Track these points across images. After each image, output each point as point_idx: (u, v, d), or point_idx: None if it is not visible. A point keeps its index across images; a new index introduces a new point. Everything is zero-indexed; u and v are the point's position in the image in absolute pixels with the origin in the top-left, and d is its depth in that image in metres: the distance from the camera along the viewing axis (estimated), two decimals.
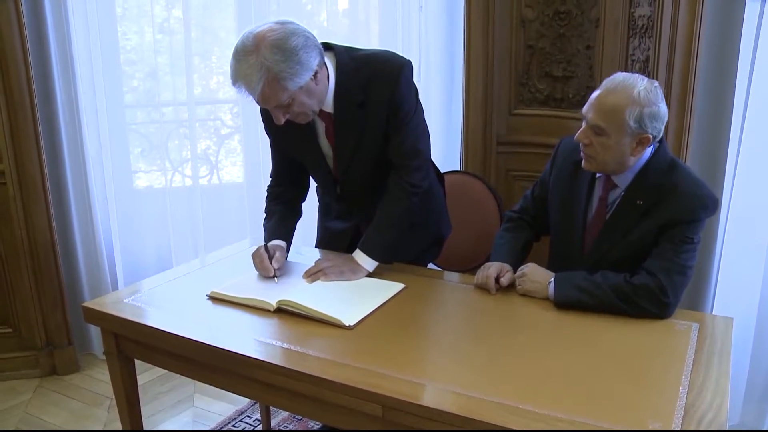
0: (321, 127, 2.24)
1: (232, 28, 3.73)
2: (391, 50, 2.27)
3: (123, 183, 3.62)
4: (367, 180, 2.32)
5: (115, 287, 3.53)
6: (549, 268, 2.19)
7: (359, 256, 2.22)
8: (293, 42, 1.93)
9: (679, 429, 1.43)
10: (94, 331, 3.52)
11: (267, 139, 2.42)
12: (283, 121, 2.05)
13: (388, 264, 2.29)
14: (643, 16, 2.71)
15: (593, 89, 2.93)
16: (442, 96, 3.50)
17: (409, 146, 2.22)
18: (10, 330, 3.39)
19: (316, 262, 2.24)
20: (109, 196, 3.49)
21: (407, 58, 2.20)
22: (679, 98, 2.66)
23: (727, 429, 1.47)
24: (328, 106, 2.16)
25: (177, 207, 3.68)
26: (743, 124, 2.67)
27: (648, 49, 2.73)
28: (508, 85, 3.24)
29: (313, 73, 1.99)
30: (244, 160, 3.73)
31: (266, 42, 1.91)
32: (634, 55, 2.79)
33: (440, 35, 3.44)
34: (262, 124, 2.36)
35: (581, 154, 2.04)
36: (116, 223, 3.55)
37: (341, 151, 2.26)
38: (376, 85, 2.13)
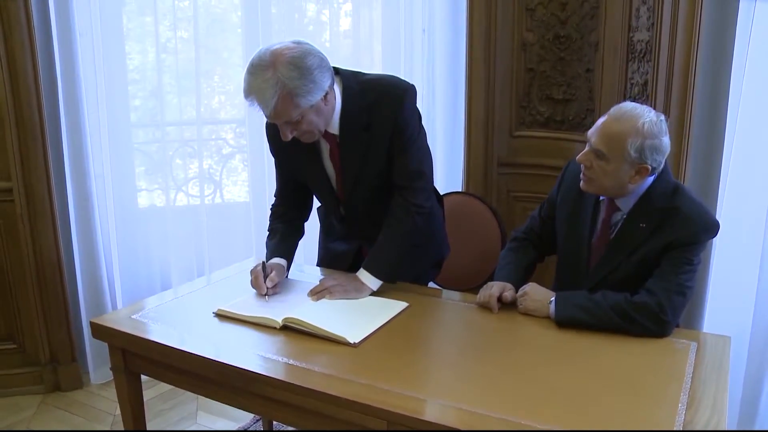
0: (326, 148, 2.28)
1: (234, 48, 3.78)
2: (395, 75, 2.33)
3: (126, 202, 3.63)
4: (371, 202, 2.36)
5: (114, 306, 3.55)
6: (555, 286, 2.23)
7: (363, 275, 2.25)
8: (309, 61, 1.99)
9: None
10: (90, 352, 3.53)
11: (272, 159, 2.47)
12: (290, 137, 2.10)
13: (391, 283, 2.32)
14: (642, 41, 2.77)
15: (593, 112, 3.02)
16: (445, 117, 3.54)
17: (412, 168, 2.26)
18: (14, 346, 3.41)
19: (321, 281, 2.27)
20: (110, 214, 3.52)
21: (411, 83, 2.25)
22: (678, 121, 2.71)
23: None
24: (334, 128, 2.20)
25: (179, 226, 3.70)
26: (733, 147, 2.74)
27: (647, 73, 2.78)
28: (510, 107, 3.29)
29: (324, 94, 2.05)
30: (249, 180, 3.77)
31: (283, 59, 1.97)
32: (633, 78, 2.84)
33: (443, 58, 3.49)
34: (268, 143, 2.41)
35: (581, 175, 2.09)
36: (116, 241, 3.57)
37: (346, 173, 2.30)
38: (380, 108, 2.18)
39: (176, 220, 3.70)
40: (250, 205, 3.75)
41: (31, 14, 3.04)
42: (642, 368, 1.78)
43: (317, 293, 2.21)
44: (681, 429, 1.52)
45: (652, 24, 2.72)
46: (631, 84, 2.83)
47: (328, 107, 2.12)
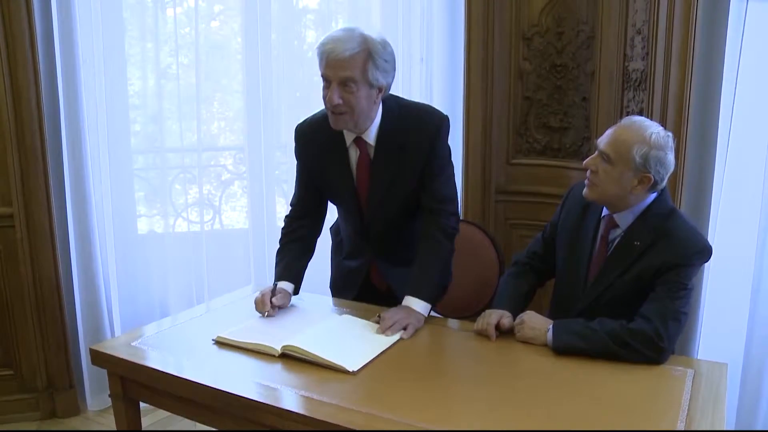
0: (354, 155, 2.34)
1: (234, 75, 3.81)
2: (432, 105, 2.46)
3: (126, 228, 3.64)
4: (392, 220, 2.42)
5: (113, 333, 3.54)
6: (553, 302, 2.26)
7: (413, 302, 2.26)
8: (392, 50, 2.21)
9: None
10: (87, 379, 3.51)
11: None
12: (335, 101, 2.14)
13: (435, 304, 2.34)
14: (637, 70, 2.81)
15: (590, 140, 3.05)
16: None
17: (445, 192, 2.35)
18: (11, 372, 3.39)
19: (387, 317, 2.19)
20: (110, 240, 3.52)
21: (446, 114, 2.36)
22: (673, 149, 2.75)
23: None
24: (370, 138, 2.29)
25: (178, 252, 3.70)
26: (724, 173, 2.79)
27: (642, 102, 2.82)
28: (507, 135, 3.32)
29: (382, 87, 2.18)
30: (248, 206, 3.78)
31: (374, 36, 2.16)
32: (628, 107, 2.87)
33: (441, 86, 3.53)
34: (295, 146, 2.46)
35: (586, 181, 2.15)
36: (115, 268, 3.57)
37: (374, 185, 2.35)
38: (417, 132, 2.28)
39: (175, 246, 3.70)
40: (249, 231, 3.76)
41: (36, 40, 3.08)
42: (639, 395, 1.79)
43: (390, 328, 2.15)
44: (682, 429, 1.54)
45: (647, 53, 2.77)
46: (627, 112, 2.86)
47: (375, 107, 2.23)
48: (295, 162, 2.51)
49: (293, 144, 2.48)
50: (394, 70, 2.23)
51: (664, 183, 2.09)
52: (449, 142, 2.38)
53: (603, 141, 2.10)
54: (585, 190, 2.16)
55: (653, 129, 2.06)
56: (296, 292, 2.44)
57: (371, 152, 2.32)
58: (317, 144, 2.35)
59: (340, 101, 2.15)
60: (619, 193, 2.08)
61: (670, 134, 2.09)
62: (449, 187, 2.37)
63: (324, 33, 3.64)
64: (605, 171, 2.08)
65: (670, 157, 2.06)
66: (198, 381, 1.90)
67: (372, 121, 2.27)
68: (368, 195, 2.37)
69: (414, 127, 2.29)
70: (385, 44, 2.17)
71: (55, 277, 3.32)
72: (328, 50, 2.11)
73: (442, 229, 2.33)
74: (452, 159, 2.41)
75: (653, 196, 2.12)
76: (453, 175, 2.41)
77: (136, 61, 3.63)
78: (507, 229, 3.38)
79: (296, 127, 2.45)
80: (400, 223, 2.43)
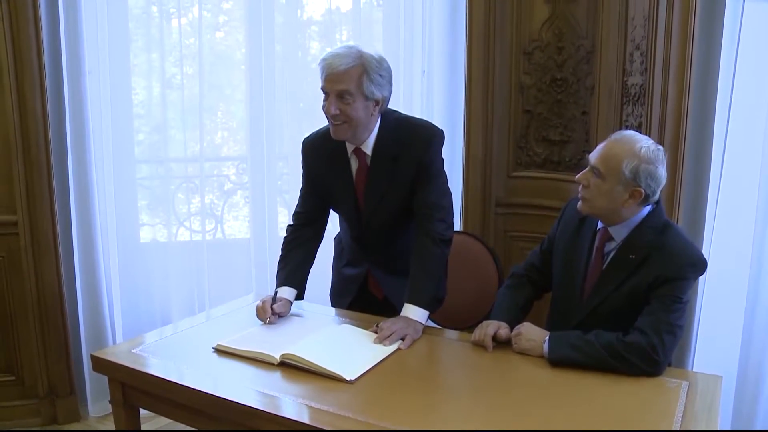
0: (355, 164, 2.44)
1: (238, 85, 3.84)
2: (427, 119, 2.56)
3: (129, 237, 3.66)
4: (388, 226, 2.49)
5: (114, 340, 3.55)
6: (550, 315, 2.29)
7: (408, 309, 2.30)
8: (387, 66, 2.32)
9: None
10: (89, 385, 3.52)
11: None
12: (333, 111, 2.26)
13: (432, 311, 2.37)
14: (636, 84, 2.84)
15: (589, 153, 3.07)
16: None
17: (433, 199, 2.40)
18: (12, 378, 3.40)
19: (386, 328, 2.23)
20: (113, 249, 3.54)
21: (441, 128, 2.45)
22: (670, 164, 2.75)
23: None
24: (368, 148, 2.39)
25: (180, 261, 3.72)
26: (719, 187, 2.82)
27: (641, 116, 2.84)
28: (507, 148, 3.35)
29: (378, 100, 2.30)
30: (250, 216, 3.80)
31: (372, 53, 2.29)
32: (627, 121, 2.90)
33: (442, 99, 3.55)
34: (302, 158, 2.56)
35: (579, 195, 2.17)
36: (117, 276, 3.58)
37: (371, 191, 2.43)
38: (410, 145, 2.37)
39: (177, 255, 3.72)
40: (251, 241, 3.78)
41: (42, 50, 3.11)
42: (634, 407, 1.80)
43: (388, 338, 2.19)
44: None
45: (645, 69, 2.79)
46: (626, 126, 2.89)
47: (372, 118, 2.32)
48: (298, 173, 2.61)
49: (298, 155, 2.59)
50: (390, 84, 2.34)
51: (657, 196, 2.11)
52: (447, 153, 2.44)
53: (594, 156, 2.12)
54: (579, 205, 2.18)
55: (643, 143, 2.07)
56: (300, 296, 2.50)
57: (368, 161, 2.41)
58: (322, 154, 2.47)
59: (338, 112, 2.25)
60: (610, 207, 2.10)
61: (660, 148, 2.10)
62: (439, 195, 2.42)
63: (328, 44, 3.72)
64: (596, 185, 2.10)
65: (661, 171, 2.07)
66: (198, 388, 1.92)
67: (370, 132, 2.37)
68: (365, 201, 2.46)
69: (407, 139, 2.38)
70: (381, 60, 2.28)
71: (58, 284, 3.34)
72: (327, 64, 2.23)
73: (430, 234, 2.37)
74: (449, 171, 2.48)
75: (648, 209, 2.13)
76: (444, 185, 2.47)
77: (141, 71, 3.66)
78: (507, 242, 3.40)
79: (303, 140, 2.57)
80: (395, 231, 2.51)
